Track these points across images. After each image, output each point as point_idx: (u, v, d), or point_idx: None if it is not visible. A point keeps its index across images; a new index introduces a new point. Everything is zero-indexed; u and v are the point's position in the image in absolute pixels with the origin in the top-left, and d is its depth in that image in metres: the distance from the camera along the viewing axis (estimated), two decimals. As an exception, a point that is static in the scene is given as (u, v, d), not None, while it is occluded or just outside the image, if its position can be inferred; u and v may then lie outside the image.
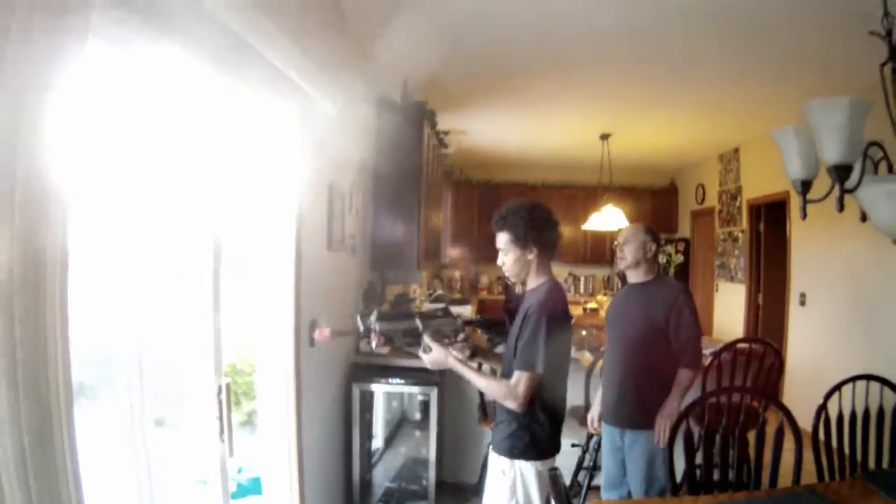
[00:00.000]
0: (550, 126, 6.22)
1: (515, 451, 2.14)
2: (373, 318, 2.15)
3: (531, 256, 2.17)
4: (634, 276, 3.02)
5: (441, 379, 3.64)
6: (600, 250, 8.74)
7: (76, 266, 1.12)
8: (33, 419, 1.00)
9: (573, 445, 3.55)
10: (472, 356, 2.37)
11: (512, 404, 2.06)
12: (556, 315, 2.08)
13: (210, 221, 2.01)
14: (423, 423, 3.98)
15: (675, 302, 2.84)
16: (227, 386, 1.89)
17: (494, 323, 2.52)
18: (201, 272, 1.94)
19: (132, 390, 1.61)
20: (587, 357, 3.79)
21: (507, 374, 2.15)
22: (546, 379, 2.05)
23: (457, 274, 9.04)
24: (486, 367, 2.65)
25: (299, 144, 2.57)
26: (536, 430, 2.12)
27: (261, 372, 2.58)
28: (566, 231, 8.83)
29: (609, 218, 6.45)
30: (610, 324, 3.11)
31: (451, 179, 7.83)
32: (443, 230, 6.78)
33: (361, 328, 2.16)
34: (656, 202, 8.80)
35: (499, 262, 2.24)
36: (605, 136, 6.35)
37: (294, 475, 2.55)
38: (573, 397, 3.44)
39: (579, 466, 3.67)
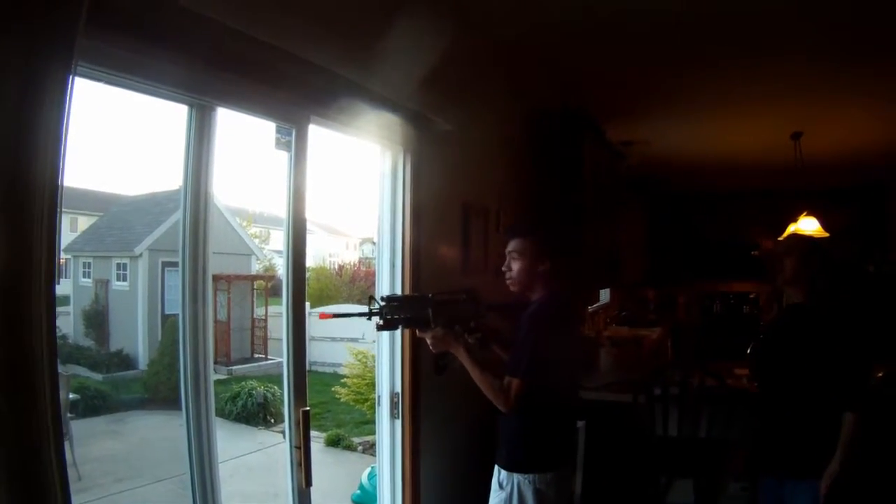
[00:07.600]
0: (734, 128, 5.57)
1: (512, 462, 2.07)
2: (382, 301, 2.01)
3: (542, 268, 2.10)
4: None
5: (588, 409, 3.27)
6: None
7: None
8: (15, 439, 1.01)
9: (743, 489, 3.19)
10: (485, 345, 2.22)
11: (499, 404, 2.02)
12: (550, 323, 2.05)
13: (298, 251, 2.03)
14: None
15: None
16: (306, 414, 1.87)
17: (513, 308, 2.23)
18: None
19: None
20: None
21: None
22: (540, 386, 2.00)
23: (650, 293, 8.28)
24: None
25: (408, 165, 2.52)
26: (533, 441, 2.05)
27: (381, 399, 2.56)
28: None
29: (806, 228, 5.64)
30: None
31: (641, 192, 7.31)
32: (629, 245, 6.30)
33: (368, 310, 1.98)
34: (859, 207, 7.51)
35: (503, 267, 2.16)
36: (796, 135, 5.53)
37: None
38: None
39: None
